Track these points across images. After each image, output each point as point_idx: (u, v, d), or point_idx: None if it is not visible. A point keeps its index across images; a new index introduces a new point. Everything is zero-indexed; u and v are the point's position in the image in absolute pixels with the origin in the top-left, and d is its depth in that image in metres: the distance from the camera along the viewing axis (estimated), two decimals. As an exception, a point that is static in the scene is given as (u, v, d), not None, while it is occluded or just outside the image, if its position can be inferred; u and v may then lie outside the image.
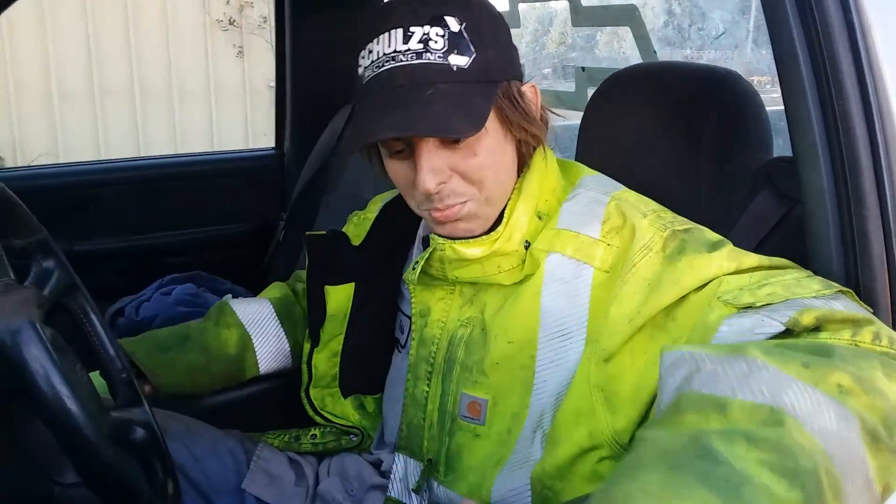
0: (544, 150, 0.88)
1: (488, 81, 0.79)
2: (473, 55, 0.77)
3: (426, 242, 0.87)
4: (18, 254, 0.80)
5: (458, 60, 0.77)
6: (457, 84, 0.76)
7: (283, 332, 1.13)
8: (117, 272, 1.93)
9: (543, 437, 0.80)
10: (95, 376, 0.82)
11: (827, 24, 0.76)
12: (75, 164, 2.11)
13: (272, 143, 2.16)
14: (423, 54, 0.76)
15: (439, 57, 0.76)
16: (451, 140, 0.78)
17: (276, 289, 1.19)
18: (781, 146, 1.05)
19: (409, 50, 0.76)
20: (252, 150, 2.34)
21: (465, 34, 0.77)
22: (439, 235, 0.85)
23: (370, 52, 0.79)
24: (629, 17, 1.79)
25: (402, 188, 0.84)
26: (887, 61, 0.77)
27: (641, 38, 1.77)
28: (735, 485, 0.48)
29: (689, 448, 0.51)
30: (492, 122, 0.80)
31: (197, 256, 1.99)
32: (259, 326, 1.11)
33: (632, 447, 0.56)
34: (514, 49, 0.85)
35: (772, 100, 1.09)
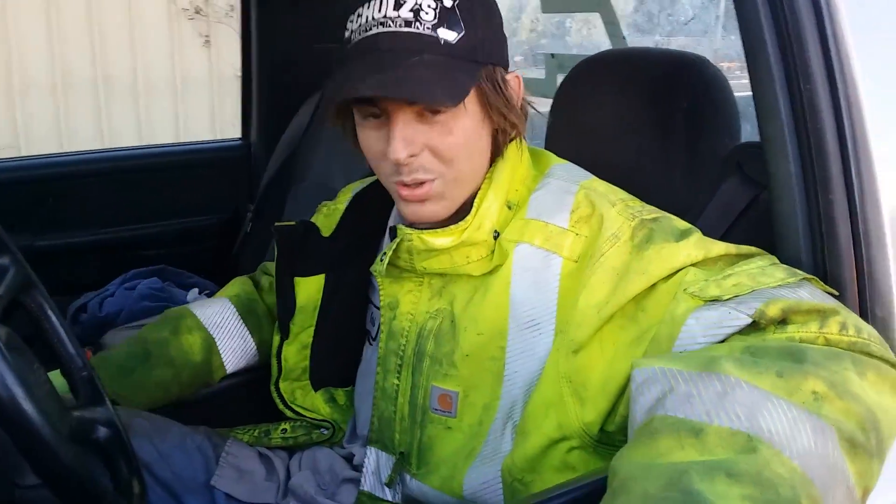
0: (520, 141, 0.87)
1: (474, 61, 0.78)
2: (462, 32, 0.77)
3: (394, 233, 0.86)
4: (-29, 251, 0.77)
5: (447, 35, 0.77)
6: (442, 57, 0.76)
7: (247, 331, 1.11)
8: (81, 267, 1.89)
9: (514, 429, 0.80)
10: (56, 375, 0.80)
11: (795, 9, 0.76)
12: (37, 157, 2.06)
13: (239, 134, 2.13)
14: (413, 23, 0.76)
15: (428, 28, 0.76)
16: (427, 113, 0.77)
17: (235, 286, 1.17)
18: (750, 132, 1.06)
19: (398, 17, 0.76)
20: (219, 141, 2.31)
21: (457, 11, 0.77)
22: (404, 219, 0.84)
23: (359, 15, 0.78)
24: (599, 3, 1.79)
25: (372, 157, 0.83)
26: (854, 46, 0.77)
27: (611, 25, 1.77)
28: None
29: (670, 490, 0.51)
30: (471, 104, 0.79)
31: (164, 249, 1.96)
32: (221, 328, 1.09)
33: (610, 483, 0.56)
34: (504, 37, 0.85)
35: (741, 85, 1.09)
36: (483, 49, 0.79)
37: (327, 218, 1.04)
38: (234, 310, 1.11)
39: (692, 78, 1.02)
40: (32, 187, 1.85)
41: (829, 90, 0.77)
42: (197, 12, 4.62)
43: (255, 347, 1.12)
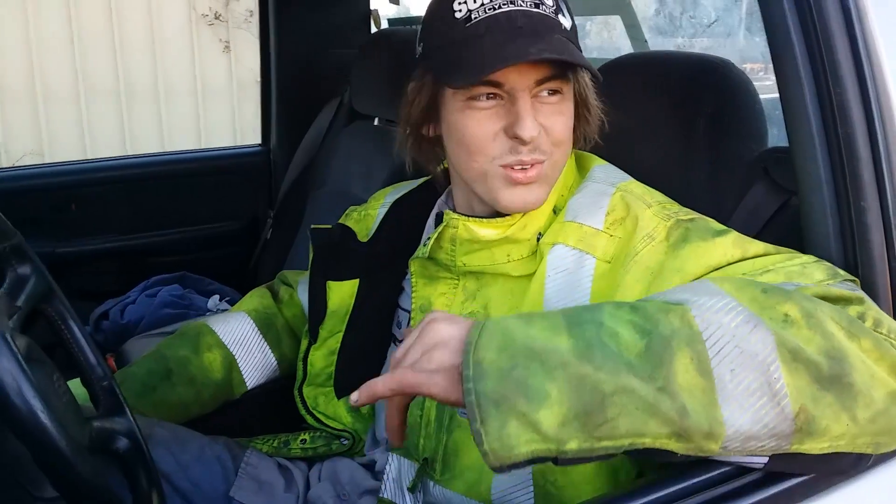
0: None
1: (579, 49, 0.82)
2: (572, 23, 0.82)
3: (440, 220, 0.86)
4: (-8, 260, 0.77)
5: (565, 22, 0.81)
6: (565, 39, 0.80)
7: (267, 346, 1.11)
8: (103, 274, 1.91)
9: None
10: (77, 384, 0.80)
11: (823, 9, 0.74)
12: (59, 164, 2.08)
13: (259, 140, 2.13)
14: (539, 6, 0.79)
15: (551, 12, 0.80)
16: (543, 95, 0.80)
17: (254, 299, 1.16)
18: (776, 136, 1.04)
19: None
20: (239, 147, 2.31)
21: (564, 3, 0.83)
22: (501, 209, 0.84)
23: None
24: (620, 6, 1.77)
25: (480, 140, 0.81)
26: (885, 48, 0.75)
27: (632, 28, 1.75)
28: (589, 322, 0.58)
29: (588, 305, 0.61)
30: (572, 94, 0.83)
31: (184, 256, 1.97)
32: (241, 344, 1.09)
33: None
34: None
35: (765, 87, 1.07)
36: (578, 42, 0.84)
37: (358, 223, 1.04)
38: (254, 325, 1.11)
39: (717, 81, 1.00)
40: (55, 194, 1.87)
41: (860, 92, 0.75)
42: (217, 18, 4.66)
43: (276, 362, 1.12)
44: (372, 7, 2.01)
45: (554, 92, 0.80)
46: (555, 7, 0.80)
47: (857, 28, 0.74)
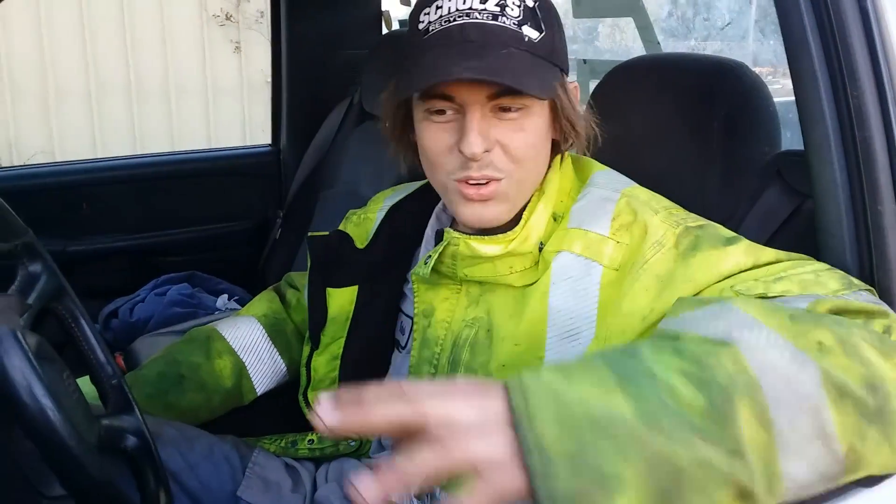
0: (563, 157, 0.88)
1: (551, 63, 0.80)
2: (543, 33, 0.79)
3: (440, 237, 0.85)
4: (4, 257, 0.77)
5: (531, 33, 0.78)
6: (526, 53, 0.77)
7: (277, 353, 1.11)
8: (113, 272, 1.91)
9: None
10: (86, 382, 0.80)
11: (839, 9, 0.74)
12: (70, 163, 2.09)
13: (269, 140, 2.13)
14: (499, 17, 0.77)
15: (514, 24, 0.77)
16: (501, 111, 0.78)
17: (262, 303, 1.16)
18: (789, 139, 1.03)
19: (485, 10, 0.77)
20: (249, 147, 2.31)
21: (538, 12, 0.79)
22: (462, 223, 0.84)
23: (439, 7, 0.79)
24: (632, 7, 1.76)
25: (435, 153, 0.81)
26: (903, 49, 0.74)
27: (644, 30, 1.74)
28: (639, 373, 0.50)
29: (622, 354, 0.53)
30: (543, 106, 0.80)
31: (193, 255, 1.97)
32: (251, 351, 1.08)
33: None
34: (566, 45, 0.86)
35: (774, 91, 1.06)
36: (558, 53, 0.81)
37: (357, 227, 1.03)
38: (263, 330, 1.11)
39: (730, 84, 0.99)
40: (65, 193, 1.88)
41: (878, 95, 0.74)
42: (227, 19, 4.68)
43: (285, 368, 1.11)
44: (383, 8, 2.01)
45: (509, 109, 0.77)
46: (520, 17, 0.77)
47: (875, 28, 0.73)
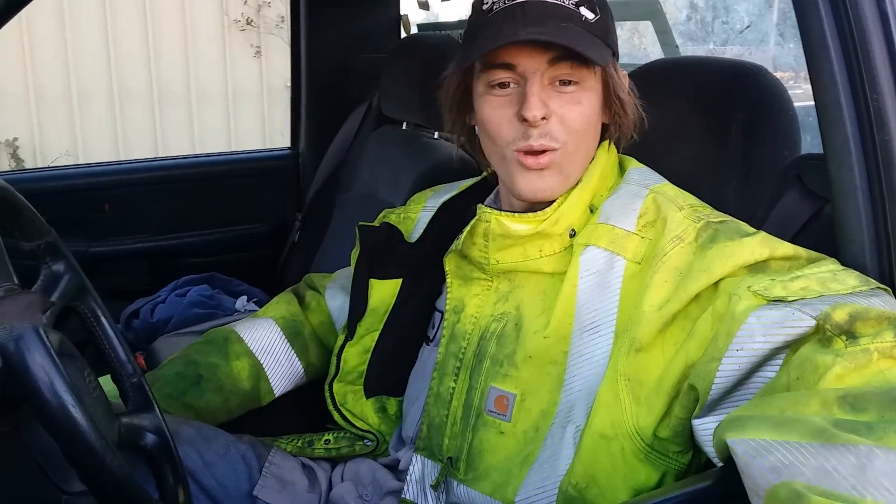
0: (610, 145, 0.90)
1: (606, 43, 0.83)
2: (599, 16, 0.82)
3: (474, 215, 0.87)
4: (27, 256, 0.79)
5: (587, 13, 0.81)
6: (584, 30, 0.80)
7: (295, 355, 1.11)
8: (134, 273, 1.93)
9: (574, 434, 0.79)
10: (107, 380, 0.81)
11: (859, 13, 0.73)
12: (94, 165, 2.12)
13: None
14: None
15: (572, 4, 0.81)
16: (559, 83, 0.81)
17: (280, 305, 1.16)
18: (809, 142, 1.02)
19: None
20: (268, 150, 2.33)
21: None
22: (514, 194, 0.86)
23: None
24: (651, 11, 1.76)
25: (495, 125, 0.84)
26: (924, 53, 0.73)
27: (663, 33, 1.73)
28: None
29: None
30: (598, 84, 0.83)
31: (213, 257, 1.99)
32: (269, 353, 1.09)
33: None
34: None
35: (795, 96, 1.05)
36: (611, 36, 0.84)
37: (399, 225, 1.04)
38: (281, 333, 1.11)
39: (750, 88, 0.99)
40: (88, 194, 1.90)
41: (898, 99, 0.73)
42: (248, 24, 4.71)
43: (303, 370, 1.12)
44: (402, 12, 2.02)
45: (569, 82, 0.81)
46: (577, 0, 0.81)
47: (895, 32, 0.73)
